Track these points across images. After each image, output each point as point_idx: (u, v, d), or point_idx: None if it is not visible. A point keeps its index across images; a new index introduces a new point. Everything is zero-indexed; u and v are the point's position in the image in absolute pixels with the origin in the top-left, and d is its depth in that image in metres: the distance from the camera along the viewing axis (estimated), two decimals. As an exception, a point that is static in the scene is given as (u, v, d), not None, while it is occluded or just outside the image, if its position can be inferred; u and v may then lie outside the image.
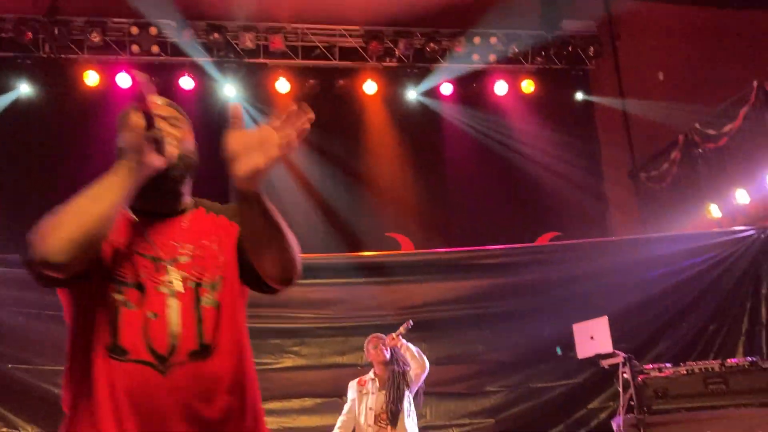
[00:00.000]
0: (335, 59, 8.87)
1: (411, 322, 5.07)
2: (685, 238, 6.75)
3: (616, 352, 5.25)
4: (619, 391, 5.18)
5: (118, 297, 1.60)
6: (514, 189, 8.97)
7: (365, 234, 8.53)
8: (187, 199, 1.80)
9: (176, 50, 8.42)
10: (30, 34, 7.98)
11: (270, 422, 5.96)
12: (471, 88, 9.09)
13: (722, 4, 7.53)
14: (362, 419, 5.04)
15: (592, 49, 9.08)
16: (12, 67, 8.19)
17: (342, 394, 6.04)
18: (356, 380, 5.27)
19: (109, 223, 1.54)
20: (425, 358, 5.06)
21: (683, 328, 6.26)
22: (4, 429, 5.58)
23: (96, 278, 1.59)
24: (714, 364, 5.12)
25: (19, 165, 8.14)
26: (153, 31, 8.24)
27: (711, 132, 7.12)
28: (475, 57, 8.90)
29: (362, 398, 5.13)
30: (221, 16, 8.48)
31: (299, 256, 1.64)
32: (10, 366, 5.68)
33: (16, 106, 8.21)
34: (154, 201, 1.71)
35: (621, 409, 5.06)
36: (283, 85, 8.65)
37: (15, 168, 8.12)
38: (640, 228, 8.56)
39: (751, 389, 4.98)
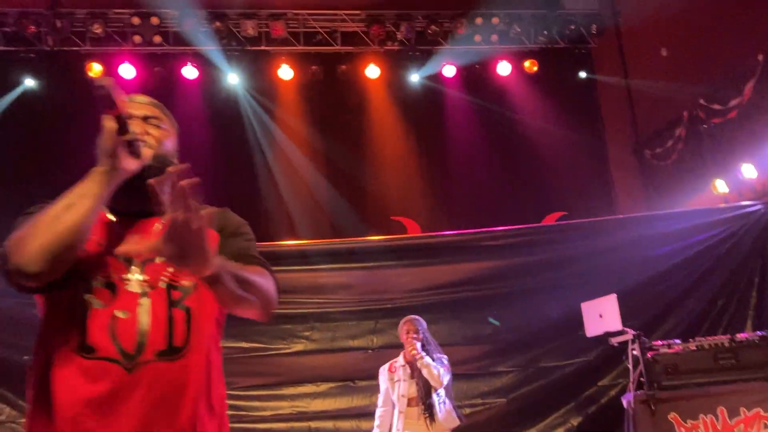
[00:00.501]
0: (337, 44, 8.86)
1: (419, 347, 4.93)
2: (691, 214, 6.74)
3: (626, 329, 5.26)
4: (628, 369, 5.21)
5: (88, 296, 1.58)
6: (518, 170, 8.98)
7: (371, 218, 8.57)
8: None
9: (178, 40, 8.42)
10: (32, 28, 8.00)
11: (284, 407, 6.07)
12: (474, 69, 9.07)
13: (725, -23, 7.47)
14: (396, 408, 4.94)
15: (594, 27, 9.05)
16: (16, 61, 8.22)
17: (354, 377, 6.12)
18: (386, 366, 5.17)
19: (84, 232, 1.53)
20: (443, 374, 4.87)
21: (691, 304, 6.26)
22: (23, 420, 5.65)
23: (69, 279, 1.58)
24: (724, 339, 5.14)
25: (24, 158, 8.18)
26: (155, 21, 8.24)
27: (716, 107, 7.10)
28: (477, 38, 8.87)
29: (394, 386, 5.01)
30: (222, 4, 8.46)
31: (275, 296, 1.68)
32: (25, 358, 5.73)
33: (20, 99, 8.25)
34: (131, 201, 1.68)
35: (631, 385, 5.09)
36: (285, 72, 8.64)
37: (21, 161, 8.16)
38: (646, 206, 8.56)
39: (762, 363, 5.00)
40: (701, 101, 7.47)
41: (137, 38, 8.31)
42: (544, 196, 8.72)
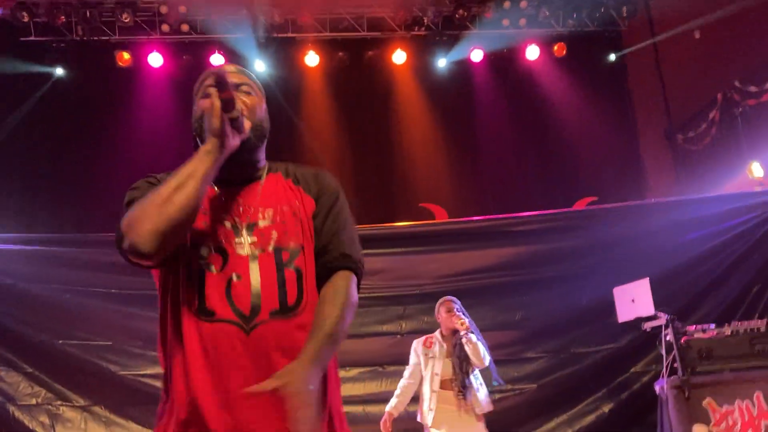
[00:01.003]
0: (363, 30, 8.82)
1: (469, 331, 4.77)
2: (725, 198, 6.61)
3: (659, 314, 5.19)
4: (661, 355, 5.14)
5: (202, 263, 1.67)
6: (548, 154, 8.88)
7: (399, 205, 8.55)
8: (263, 165, 1.86)
9: (206, 28, 8.45)
10: (63, 18, 8.08)
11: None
12: (502, 53, 8.96)
13: (761, -45, 7.27)
14: (427, 385, 4.83)
15: (624, 9, 8.87)
16: (47, 51, 8.31)
17: (383, 362, 6.13)
18: (421, 340, 5.07)
19: (194, 211, 1.60)
20: (485, 354, 4.75)
21: (726, 289, 6.14)
22: (58, 402, 5.77)
23: (182, 250, 1.67)
24: (760, 324, 5.04)
25: (56, 147, 8.31)
26: (182, 9, 8.27)
27: (752, 89, 6.94)
28: (505, 22, 8.75)
29: (428, 362, 4.90)
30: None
31: (355, 304, 1.75)
32: (61, 342, 5.84)
33: (51, 89, 8.36)
34: (231, 170, 1.74)
35: (664, 371, 5.03)
36: (312, 59, 8.63)
37: (53, 150, 8.30)
38: (678, 190, 8.42)
39: (799, 348, 4.91)
40: (736, 83, 7.31)
41: (165, 27, 8.37)
42: (574, 182, 8.62)
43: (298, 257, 1.72)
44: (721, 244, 6.23)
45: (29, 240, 6.18)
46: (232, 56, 8.52)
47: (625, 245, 6.24)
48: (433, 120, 8.95)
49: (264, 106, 1.87)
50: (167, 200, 1.56)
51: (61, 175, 8.21)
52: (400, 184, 8.73)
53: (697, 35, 8.21)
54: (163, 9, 8.28)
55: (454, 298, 5.07)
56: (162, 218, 1.55)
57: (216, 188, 1.78)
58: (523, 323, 6.16)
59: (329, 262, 1.74)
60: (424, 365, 4.92)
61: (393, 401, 4.98)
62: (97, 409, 5.77)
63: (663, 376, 5.03)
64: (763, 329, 5.01)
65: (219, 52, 8.41)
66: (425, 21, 8.76)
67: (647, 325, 5.30)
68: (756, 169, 7.03)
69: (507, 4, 8.66)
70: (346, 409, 6.23)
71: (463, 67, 8.93)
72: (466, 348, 4.73)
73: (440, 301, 5.10)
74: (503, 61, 9.00)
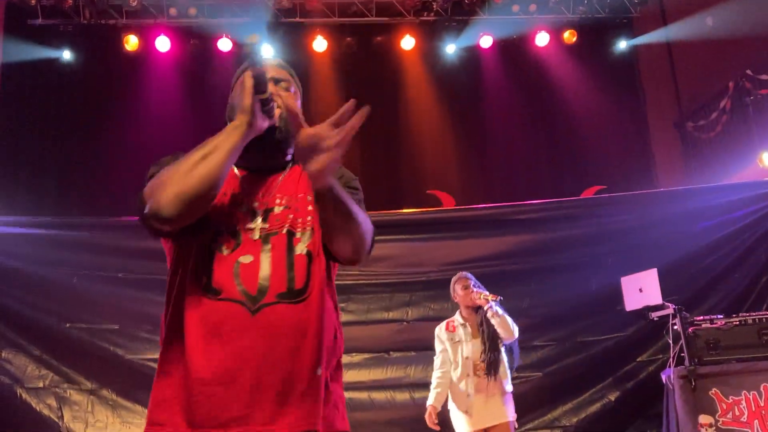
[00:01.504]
0: (372, 15, 8.75)
1: (500, 298, 4.65)
2: (735, 187, 6.56)
3: (666, 303, 5.17)
4: (668, 344, 5.13)
5: (215, 244, 1.70)
6: (557, 142, 8.82)
7: (406, 191, 8.53)
8: (289, 158, 1.87)
9: (213, 12, 8.41)
10: (70, 1, 8.04)
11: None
12: (511, 40, 8.88)
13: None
14: (458, 370, 4.62)
15: (636, -6, 8.78)
16: (54, 34, 8.29)
17: (388, 349, 6.13)
18: (443, 325, 4.85)
19: (217, 182, 1.62)
20: (514, 325, 4.61)
21: (735, 280, 6.12)
22: (65, 385, 5.80)
23: (198, 227, 1.69)
24: (768, 315, 5.02)
25: (64, 131, 8.30)
26: (190, -8, 8.23)
27: (764, 77, 6.88)
28: (515, 8, 8.66)
29: (456, 347, 4.68)
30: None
31: (370, 239, 1.75)
32: (68, 325, 5.87)
33: (59, 72, 8.35)
34: (257, 159, 1.79)
35: (671, 361, 5.01)
36: (320, 44, 8.58)
37: (61, 134, 8.30)
38: (687, 179, 8.37)
39: (808, 339, 4.88)
40: (748, 71, 7.24)
41: (173, 10, 8.32)
42: (582, 170, 8.56)
43: (310, 241, 1.73)
44: (730, 234, 6.20)
45: (37, 224, 6.20)
46: (240, 41, 8.48)
47: (634, 234, 6.21)
48: (441, 106, 8.89)
49: (299, 102, 1.89)
50: (192, 169, 1.59)
51: (69, 158, 8.22)
52: (408, 171, 8.69)
53: (709, 22, 8.12)
54: (171, -8, 8.24)
55: (468, 274, 4.91)
56: (186, 185, 1.58)
57: (239, 173, 1.82)
58: (530, 311, 6.13)
59: None
60: (452, 352, 4.71)
61: (433, 394, 4.75)
62: (104, 392, 5.79)
63: (670, 366, 5.01)
64: (771, 320, 4.98)
65: (227, 37, 8.37)
66: (434, 6, 8.68)
67: (654, 315, 5.28)
68: (767, 159, 6.97)
69: (517, -10, 8.58)
70: (352, 395, 6.27)
71: (472, 53, 8.86)
72: (493, 322, 4.55)
73: (454, 278, 4.93)
74: (512, 48, 8.92)
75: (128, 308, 5.90)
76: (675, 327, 5.05)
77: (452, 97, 8.87)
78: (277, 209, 1.76)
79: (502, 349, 4.63)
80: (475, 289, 4.74)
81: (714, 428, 4.69)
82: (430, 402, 4.74)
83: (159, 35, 8.29)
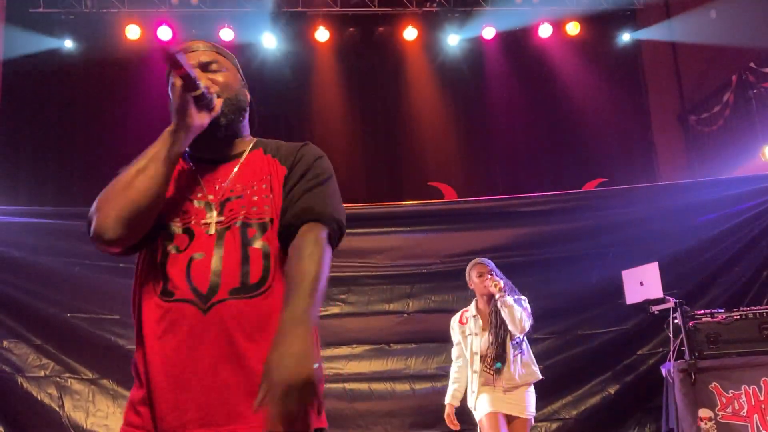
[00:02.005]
0: (374, 6, 8.71)
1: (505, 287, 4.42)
2: (737, 181, 6.55)
3: (667, 297, 5.17)
4: (668, 338, 5.13)
5: (169, 244, 1.62)
6: (559, 134, 8.79)
7: (407, 183, 8.52)
8: (245, 141, 1.80)
9: (215, 1, 8.37)
10: (71, -11, 8.02)
11: (321, 368, 6.16)
12: (514, 31, 8.83)
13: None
14: (471, 366, 4.48)
15: (640, -14, 8.73)
16: (56, 23, 8.26)
17: (389, 341, 6.13)
18: (457, 317, 4.72)
19: (158, 195, 1.57)
20: (525, 319, 4.36)
21: (736, 273, 6.10)
22: (66, 374, 5.81)
23: (152, 232, 1.63)
24: (769, 309, 5.02)
25: (65, 120, 8.29)
26: (192, -18, 8.20)
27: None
28: (518, 0, 8.64)
29: (467, 341, 4.54)
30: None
31: (330, 251, 1.60)
32: (69, 315, 5.87)
33: (59, 61, 8.32)
34: (207, 148, 1.73)
35: (671, 354, 5.02)
36: (322, 34, 8.54)
37: (60, 122, 8.28)
38: (689, 173, 8.35)
39: (809, 334, 4.88)
40: (751, 64, 7.20)
41: (175, 0, 8.29)
42: (584, 162, 8.55)
43: (266, 233, 1.62)
44: (731, 228, 6.18)
45: (39, 213, 6.19)
46: (242, 30, 8.45)
47: (635, 227, 6.20)
48: (443, 98, 8.87)
49: (239, 79, 1.80)
50: (129, 185, 1.55)
51: (70, 148, 8.21)
52: (409, 162, 8.68)
53: (713, 15, 8.07)
54: (173, -19, 8.20)
55: (485, 260, 4.70)
56: (124, 203, 1.53)
57: (193, 166, 1.73)
58: (530, 303, 6.13)
59: (290, 217, 1.62)
60: (465, 345, 4.58)
61: (450, 391, 4.68)
62: (104, 382, 5.80)
63: (670, 360, 5.02)
64: (772, 314, 4.98)
65: (228, 27, 8.34)
66: (437, -3, 8.65)
67: (655, 308, 5.27)
68: (769, 153, 6.96)
69: (520, -19, 8.55)
70: (352, 386, 6.29)
71: (475, 44, 8.82)
72: (502, 312, 4.35)
73: (470, 265, 4.73)
74: (515, 39, 8.88)
75: (130, 298, 5.88)
76: (675, 320, 5.05)
77: (454, 88, 8.84)
78: (232, 199, 1.66)
79: (511, 345, 4.41)
80: (489, 276, 4.50)
81: (713, 422, 4.71)
82: (447, 400, 4.67)
83: (161, 24, 8.26)
